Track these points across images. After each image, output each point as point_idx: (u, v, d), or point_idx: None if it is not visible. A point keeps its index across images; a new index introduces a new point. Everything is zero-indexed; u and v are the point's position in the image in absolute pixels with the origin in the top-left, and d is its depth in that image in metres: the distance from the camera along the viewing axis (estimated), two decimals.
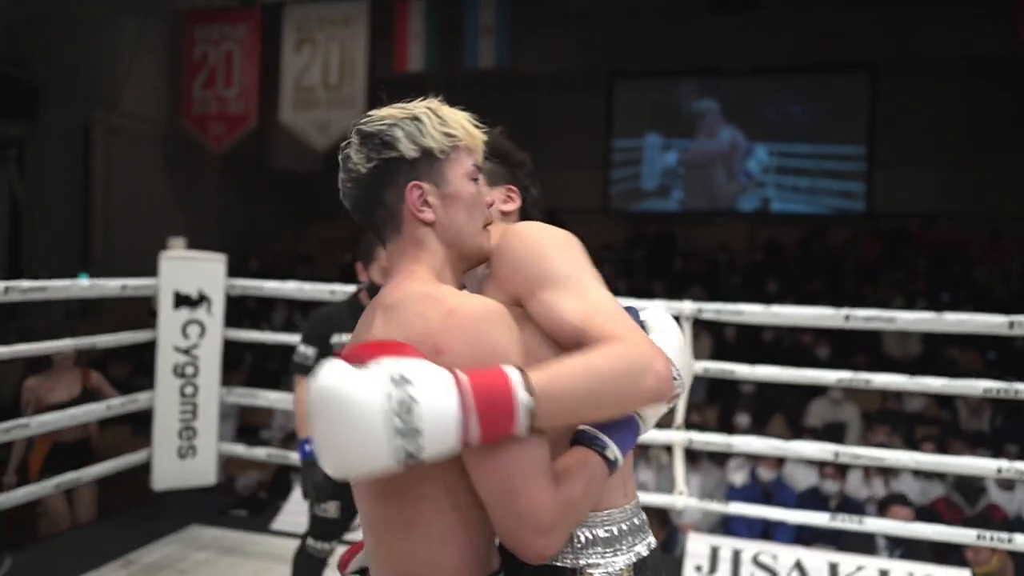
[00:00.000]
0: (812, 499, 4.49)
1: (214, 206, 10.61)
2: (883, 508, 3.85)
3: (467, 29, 8.52)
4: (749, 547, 3.16)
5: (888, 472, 4.88)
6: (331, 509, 2.43)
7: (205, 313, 3.36)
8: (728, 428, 5.51)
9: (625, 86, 10.72)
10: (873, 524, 2.85)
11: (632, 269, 9.35)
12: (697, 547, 3.14)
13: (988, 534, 2.66)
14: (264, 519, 3.60)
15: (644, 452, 5.31)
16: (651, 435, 3.12)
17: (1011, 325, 2.62)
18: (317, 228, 11.61)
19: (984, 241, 9.07)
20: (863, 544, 3.85)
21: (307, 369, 2.48)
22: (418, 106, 1.08)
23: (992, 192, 9.20)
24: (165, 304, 3.31)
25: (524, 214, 1.29)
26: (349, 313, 2.51)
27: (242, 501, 3.86)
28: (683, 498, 2.97)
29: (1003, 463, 2.66)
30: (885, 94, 9.75)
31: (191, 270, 3.33)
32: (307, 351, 2.52)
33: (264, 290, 3.45)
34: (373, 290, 2.47)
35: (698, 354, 6.74)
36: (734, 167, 10.39)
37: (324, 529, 2.45)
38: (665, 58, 9.95)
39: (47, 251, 8.56)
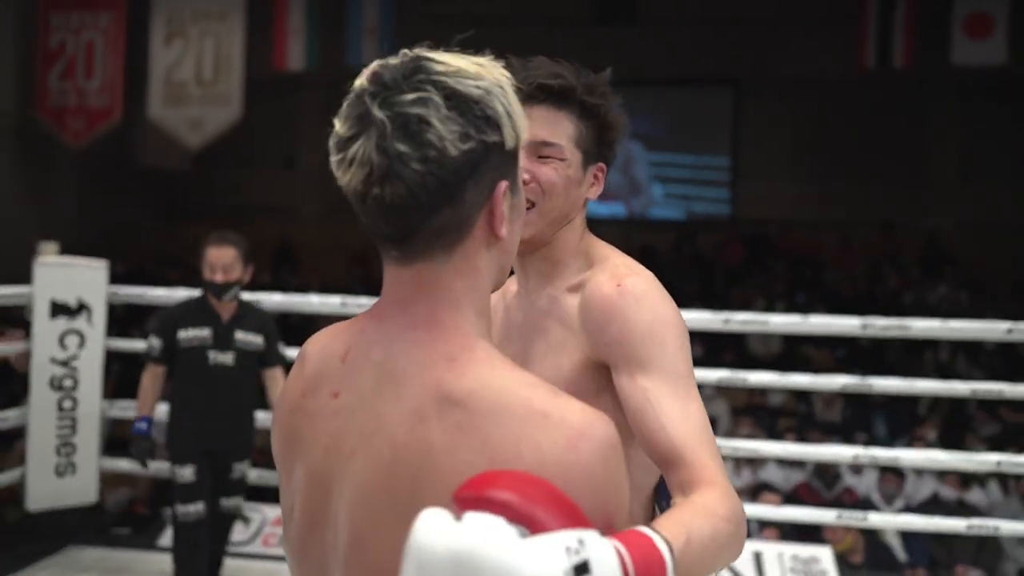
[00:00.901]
0: None
1: (73, 206, 9.92)
2: (754, 495, 4.18)
3: (350, 27, 8.43)
4: None
5: (755, 462, 5.27)
6: (187, 474, 2.81)
7: (85, 323, 3.19)
8: None
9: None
10: (750, 510, 3.11)
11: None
12: None
13: (846, 514, 2.96)
14: (149, 536, 3.46)
15: None
16: None
17: (864, 327, 2.94)
18: (187, 228, 11.09)
19: (833, 247, 9.92)
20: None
21: (153, 359, 2.86)
22: (488, 64, 0.75)
23: (840, 202, 10.08)
24: (40, 313, 3.12)
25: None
26: (198, 310, 2.88)
27: (121, 519, 3.68)
28: None
29: (858, 450, 2.98)
30: (747, 109, 10.47)
31: (69, 277, 3.16)
32: (154, 342, 2.87)
33: (146, 297, 3.31)
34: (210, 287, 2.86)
35: None
36: (628, 174, 10.83)
37: (185, 492, 2.79)
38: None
39: None
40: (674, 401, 0.95)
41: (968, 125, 9.77)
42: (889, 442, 5.76)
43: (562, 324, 1.07)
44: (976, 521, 2.98)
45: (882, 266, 9.36)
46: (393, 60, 0.73)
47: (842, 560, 3.52)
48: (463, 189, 0.70)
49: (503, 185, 0.73)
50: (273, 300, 3.35)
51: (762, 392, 6.65)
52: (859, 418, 6.15)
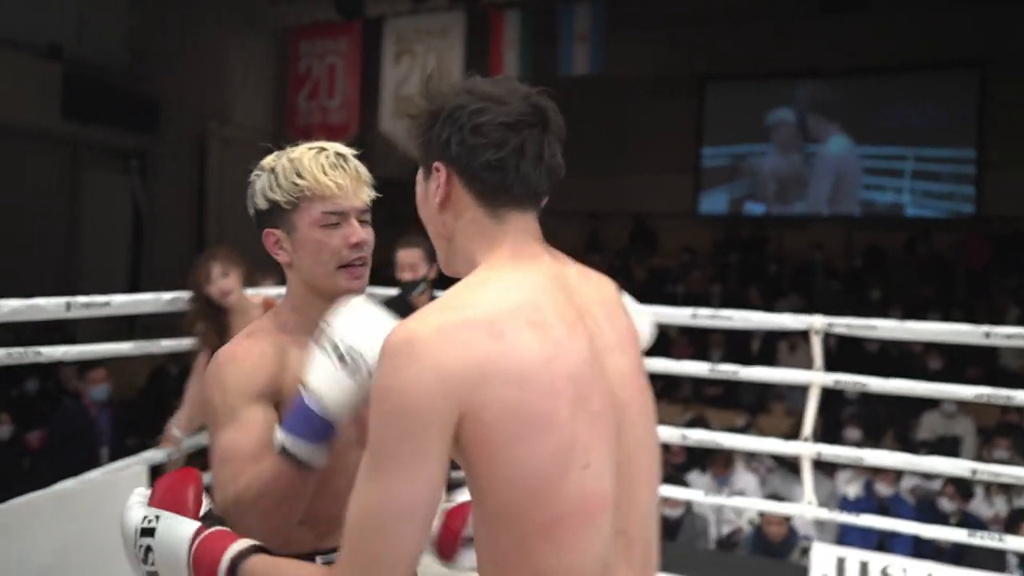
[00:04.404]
0: (930, 516, 4.38)
1: None
2: (1011, 525, 3.74)
3: (562, 36, 8.62)
4: (876, 559, 3.14)
5: (1011, 489, 4.71)
6: None
7: None
8: (835, 440, 5.42)
9: (720, 90, 10.59)
10: (1014, 542, 2.79)
11: (725, 275, 9.25)
12: (823, 557, 3.13)
13: None
14: None
15: (750, 459, 5.28)
16: (779, 446, 3.14)
17: None
18: (409, 236, 11.95)
19: None
20: (992, 564, 3.74)
21: None
22: (290, 153, 1.24)
23: None
24: None
25: (499, 190, 0.94)
26: (399, 306, 2.90)
27: None
28: (812, 508, 2.98)
29: None
30: (992, 94, 9.33)
31: None
32: None
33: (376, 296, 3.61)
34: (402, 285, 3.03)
35: (795, 363, 6.63)
36: (842, 170, 10.12)
37: None
38: (765, 61, 9.79)
39: (165, 261, 9.11)
40: (369, 479, 0.84)
41: None
42: None
43: None
44: None
45: None
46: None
47: None
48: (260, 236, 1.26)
49: (265, 232, 1.25)
50: None
51: (1019, 410, 5.91)
52: None
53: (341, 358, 1.02)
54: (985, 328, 2.70)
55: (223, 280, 2.80)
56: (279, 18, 9.56)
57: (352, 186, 1.22)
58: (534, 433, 0.82)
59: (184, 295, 2.94)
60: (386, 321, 1.06)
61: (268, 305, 2.87)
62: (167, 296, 2.98)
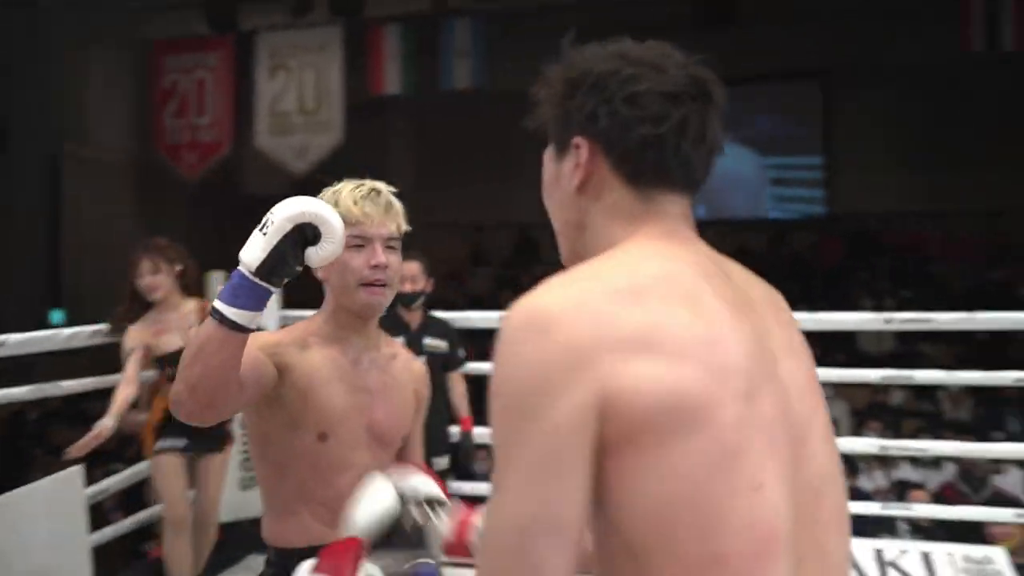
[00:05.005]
0: None
1: (182, 235, 10.47)
2: (902, 495, 4.12)
3: (443, 52, 8.67)
4: None
5: (887, 463, 5.18)
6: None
7: None
8: None
9: None
10: (922, 510, 3.09)
11: None
12: None
13: None
14: None
15: None
16: None
17: None
18: None
19: (939, 239, 9.61)
20: (882, 532, 4.10)
21: None
22: (335, 187, 1.42)
23: (944, 193, 9.77)
24: None
25: (646, 157, 0.78)
26: (391, 320, 2.94)
27: None
28: None
29: None
30: (833, 102, 10.27)
31: None
32: None
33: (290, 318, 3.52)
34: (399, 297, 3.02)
35: None
36: (711, 177, 10.74)
37: None
38: None
39: (17, 298, 8.33)
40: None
41: None
42: None
43: None
44: None
45: (992, 258, 9.02)
46: None
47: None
48: None
49: None
50: None
51: (885, 391, 6.51)
52: (991, 416, 5.96)
53: (263, 226, 1.17)
54: (886, 315, 2.98)
55: (151, 277, 2.75)
56: (142, 31, 9.04)
57: (379, 216, 1.39)
58: (690, 430, 0.64)
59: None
60: None
61: (202, 309, 2.81)
62: (66, 332, 2.87)
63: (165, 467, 2.86)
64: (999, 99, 9.58)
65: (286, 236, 1.15)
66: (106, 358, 3.75)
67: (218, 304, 1.16)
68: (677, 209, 0.79)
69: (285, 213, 1.16)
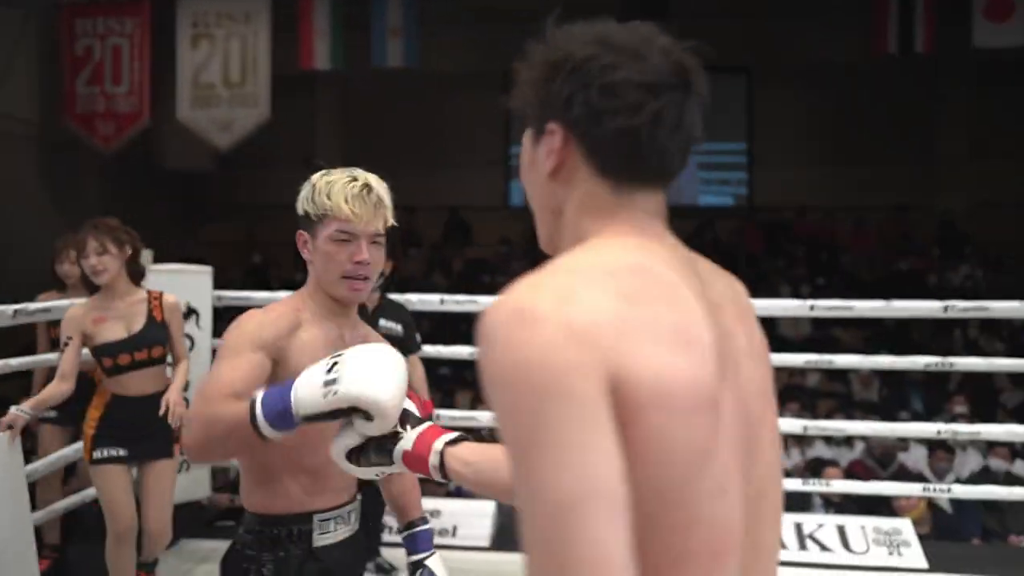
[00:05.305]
0: None
1: (98, 209, 9.98)
2: (817, 472, 4.35)
3: (375, 29, 8.52)
4: None
5: (803, 442, 5.46)
6: None
7: (194, 327, 3.32)
8: None
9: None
10: (840, 486, 3.28)
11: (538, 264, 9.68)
12: None
13: (932, 486, 3.14)
14: None
15: None
16: None
17: (945, 309, 3.10)
18: (208, 229, 11.21)
19: (849, 230, 10.10)
20: (799, 506, 4.34)
21: None
22: (329, 174, 1.47)
23: (853, 186, 10.26)
24: None
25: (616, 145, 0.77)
26: None
27: (225, 513, 3.82)
28: None
29: (940, 426, 3.15)
30: (758, 98, 10.63)
31: (178, 284, 3.28)
32: None
33: (252, 300, 3.45)
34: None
35: None
36: None
37: None
38: None
39: None
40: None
41: (979, 105, 9.95)
42: (928, 418, 5.95)
43: None
44: None
45: (898, 248, 9.55)
46: None
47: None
48: None
49: (298, 232, 1.51)
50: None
51: (802, 373, 6.83)
52: (896, 396, 6.34)
53: (328, 382, 1.18)
54: (811, 302, 3.14)
55: (96, 257, 2.56)
56: None
57: (367, 215, 1.44)
58: (680, 416, 0.65)
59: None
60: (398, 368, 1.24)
61: (154, 296, 2.68)
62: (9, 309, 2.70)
63: (106, 477, 2.65)
64: (907, 99, 10.13)
65: (342, 411, 1.19)
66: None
67: (260, 417, 1.22)
68: (650, 204, 0.79)
69: (352, 392, 1.16)
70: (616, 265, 0.71)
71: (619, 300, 0.67)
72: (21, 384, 4.36)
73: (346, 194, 1.42)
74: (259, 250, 10.43)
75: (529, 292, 0.67)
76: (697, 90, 0.78)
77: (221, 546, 3.38)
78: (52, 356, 3.05)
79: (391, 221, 1.48)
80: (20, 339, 5.35)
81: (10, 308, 2.79)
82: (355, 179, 1.46)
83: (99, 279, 2.61)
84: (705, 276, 0.80)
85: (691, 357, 0.66)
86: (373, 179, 1.49)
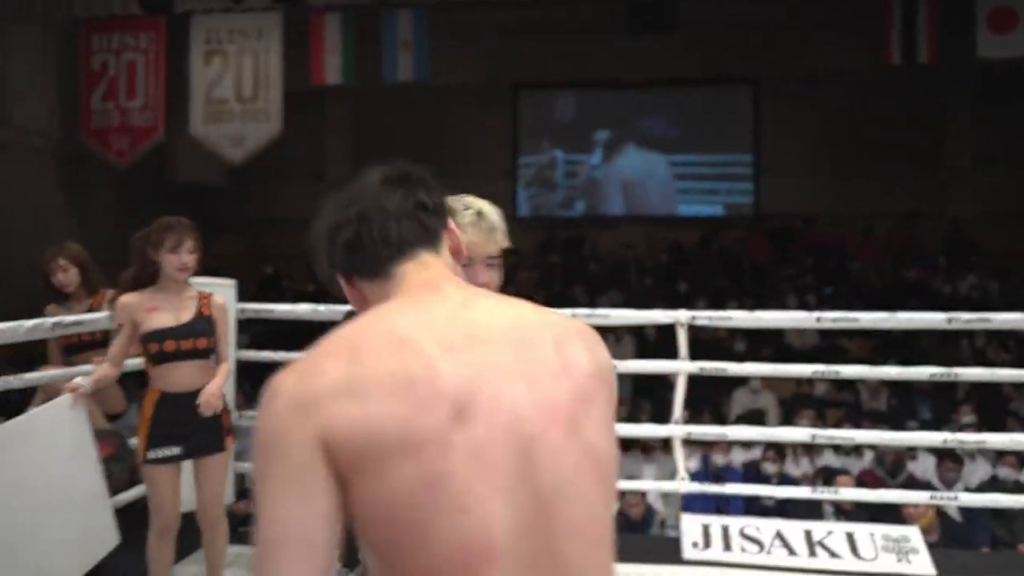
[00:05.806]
0: (755, 478, 5.02)
1: (111, 222, 10.13)
2: (827, 480, 4.40)
3: (385, 44, 8.64)
4: (734, 523, 3.58)
5: (813, 450, 5.50)
6: None
7: None
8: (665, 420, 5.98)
9: (532, 100, 11.22)
10: (849, 493, 3.33)
11: (551, 274, 9.77)
12: (691, 526, 3.52)
13: (939, 494, 3.19)
14: None
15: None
16: (653, 430, 3.48)
17: (949, 321, 3.16)
18: (219, 242, 11.33)
19: (857, 239, 10.14)
20: (809, 514, 4.38)
21: None
22: (449, 207, 1.57)
23: (862, 195, 10.31)
24: None
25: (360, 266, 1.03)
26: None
27: (245, 520, 3.90)
28: (685, 483, 3.35)
29: (947, 435, 3.20)
30: (766, 108, 10.71)
31: None
32: None
33: (275, 313, 3.53)
34: None
35: (622, 354, 7.22)
36: (646, 174, 11.08)
37: None
38: (572, 72, 10.46)
39: None
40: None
41: (987, 115, 9.99)
42: (936, 427, 5.98)
43: None
44: None
45: (906, 257, 9.57)
46: None
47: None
48: None
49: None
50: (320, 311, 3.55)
51: (810, 383, 6.87)
52: (905, 406, 6.37)
53: None
54: (817, 314, 3.20)
55: (189, 255, 2.67)
56: (67, 8, 8.68)
57: (482, 242, 1.55)
58: (397, 460, 0.78)
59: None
60: None
61: (204, 296, 2.76)
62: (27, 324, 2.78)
63: (159, 476, 2.68)
64: (915, 109, 10.19)
65: None
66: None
67: None
68: (413, 268, 0.96)
69: None
70: (361, 333, 0.86)
71: (348, 363, 0.82)
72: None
73: (460, 224, 1.46)
74: (270, 262, 10.54)
75: (284, 372, 0.85)
76: (390, 178, 1.02)
77: (243, 552, 3.49)
78: (61, 372, 3.14)
79: (505, 243, 1.60)
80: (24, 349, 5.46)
81: (26, 324, 2.86)
82: (468, 207, 1.57)
83: (183, 276, 2.68)
84: (478, 312, 0.91)
85: (408, 400, 0.80)
86: (486, 207, 1.60)
